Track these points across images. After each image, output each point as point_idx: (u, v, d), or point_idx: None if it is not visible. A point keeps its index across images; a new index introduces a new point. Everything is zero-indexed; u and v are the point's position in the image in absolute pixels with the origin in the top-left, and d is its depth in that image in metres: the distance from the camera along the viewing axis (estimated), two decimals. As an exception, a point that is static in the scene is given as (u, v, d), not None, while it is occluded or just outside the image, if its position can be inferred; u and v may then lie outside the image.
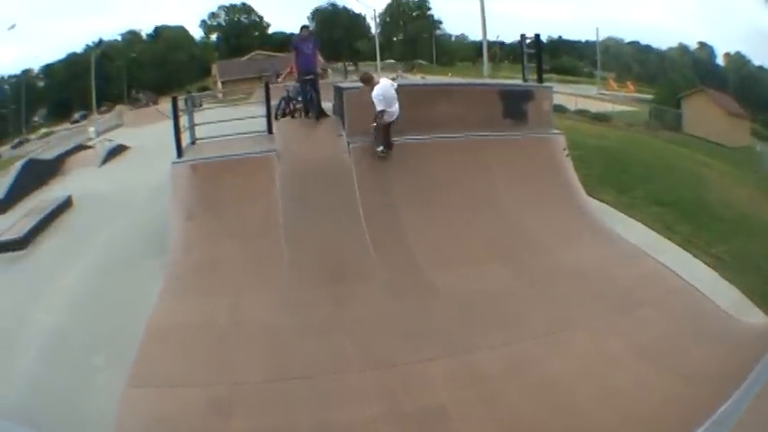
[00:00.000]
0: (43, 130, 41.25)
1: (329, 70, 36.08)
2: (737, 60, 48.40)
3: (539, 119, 18.13)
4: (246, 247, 13.42)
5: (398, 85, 15.87)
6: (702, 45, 48.06)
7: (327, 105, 19.32)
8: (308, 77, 18.78)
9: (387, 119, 15.19)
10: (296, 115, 19.81)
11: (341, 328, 11.13)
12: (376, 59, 40.61)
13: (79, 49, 41.86)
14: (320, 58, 25.88)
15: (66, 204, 19.98)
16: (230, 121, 18.58)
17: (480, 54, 34.59)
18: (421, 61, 48.79)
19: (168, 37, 42.68)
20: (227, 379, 9.64)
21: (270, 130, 17.94)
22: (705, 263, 16.34)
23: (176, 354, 10.20)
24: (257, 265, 13.00)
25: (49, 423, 9.46)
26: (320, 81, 19.63)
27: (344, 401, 9.27)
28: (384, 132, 15.49)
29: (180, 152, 16.33)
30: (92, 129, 34.68)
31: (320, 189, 14.81)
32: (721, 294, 13.48)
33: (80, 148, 30.89)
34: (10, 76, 41.01)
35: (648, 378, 9.67)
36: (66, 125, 40.86)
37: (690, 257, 16.43)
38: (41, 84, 42.37)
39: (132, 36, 43.95)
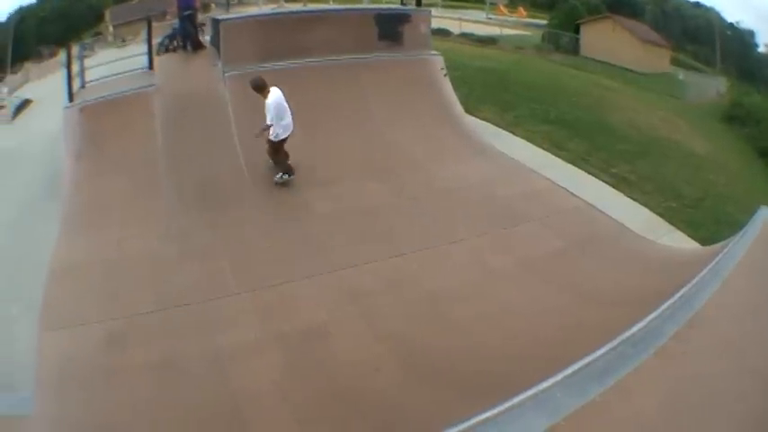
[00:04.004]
0: (-28, 99, 41.22)
1: (212, 5, 35.72)
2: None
3: (415, 41, 18.36)
4: (129, 181, 13.38)
5: (276, 13, 15.78)
6: (618, -25, 48.52)
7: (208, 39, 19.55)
8: (186, 13, 19.04)
9: (281, 134, 13.19)
10: (177, 50, 19.98)
11: (220, 253, 11.22)
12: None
13: (3, 19, 41.96)
14: (203, -6, 25.93)
15: (-17, 165, 19.90)
16: (118, 62, 18.46)
17: (364, -19, 34.34)
18: (304, -10, 48.44)
19: (71, -7, 42.73)
20: (120, 313, 9.61)
21: (151, 66, 17.91)
22: (606, 182, 16.67)
23: (76, 293, 10.17)
24: (140, 197, 12.98)
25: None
26: (204, 15, 19.77)
27: (228, 325, 9.36)
28: (282, 154, 13.64)
29: (71, 97, 16.21)
30: (5, 89, 34.44)
31: (197, 119, 14.96)
32: (630, 214, 14.02)
33: (-5, 108, 30.68)
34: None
35: (539, 295, 9.94)
36: (-13, 90, 40.78)
37: (585, 176, 16.72)
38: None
39: (44, -3, 43.87)
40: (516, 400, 5.55)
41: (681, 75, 41.17)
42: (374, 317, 9.50)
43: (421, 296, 10.03)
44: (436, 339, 8.96)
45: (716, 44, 47.41)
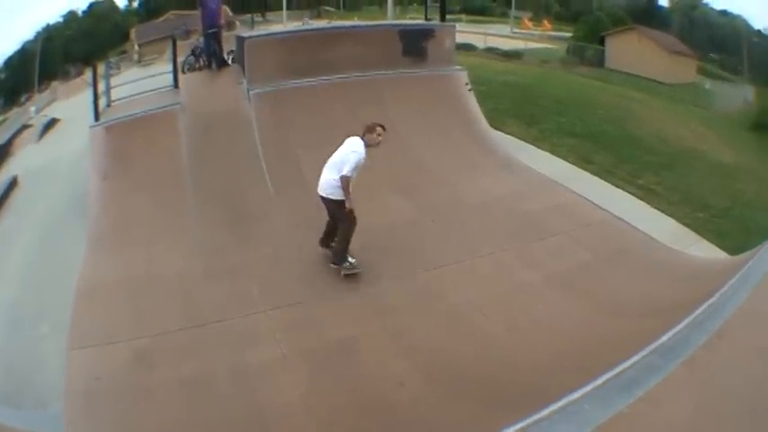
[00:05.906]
0: (0, 119, 41.65)
1: (237, 23, 35.88)
2: (686, 2, 49.03)
3: (439, 56, 18.35)
4: (156, 200, 13.45)
5: (300, 31, 15.91)
6: (642, -15, 48.39)
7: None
8: (211, 31, 19.22)
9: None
10: (202, 69, 20.15)
11: (246, 271, 11.25)
12: (283, 9, 40.44)
13: (31, 36, 42.41)
14: (227, 12, 26.09)
15: (12, 185, 20.06)
16: (143, 80, 18.66)
17: (388, -2, 34.49)
18: (328, 7, 48.25)
19: (98, 11, 43.01)
20: (147, 331, 9.65)
21: (176, 85, 17.97)
22: (632, 194, 16.54)
23: (103, 312, 10.19)
24: (167, 216, 13.06)
25: (15, 395, 9.54)
26: (228, 33, 19.97)
27: (256, 342, 9.38)
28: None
29: (97, 116, 16.32)
30: (33, 108, 34.80)
31: (222, 137, 15.01)
32: (656, 226, 13.87)
33: (24, 127, 30.99)
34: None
35: (567, 308, 9.95)
36: (16, 109, 41.20)
37: (611, 188, 16.56)
38: (2, 76, 42.77)
39: (71, 15, 44.23)
40: (544, 412, 5.61)
41: (707, 84, 40.80)
42: (401, 332, 9.50)
43: (448, 311, 10.03)
44: (463, 353, 8.97)
45: (743, 52, 47.23)
